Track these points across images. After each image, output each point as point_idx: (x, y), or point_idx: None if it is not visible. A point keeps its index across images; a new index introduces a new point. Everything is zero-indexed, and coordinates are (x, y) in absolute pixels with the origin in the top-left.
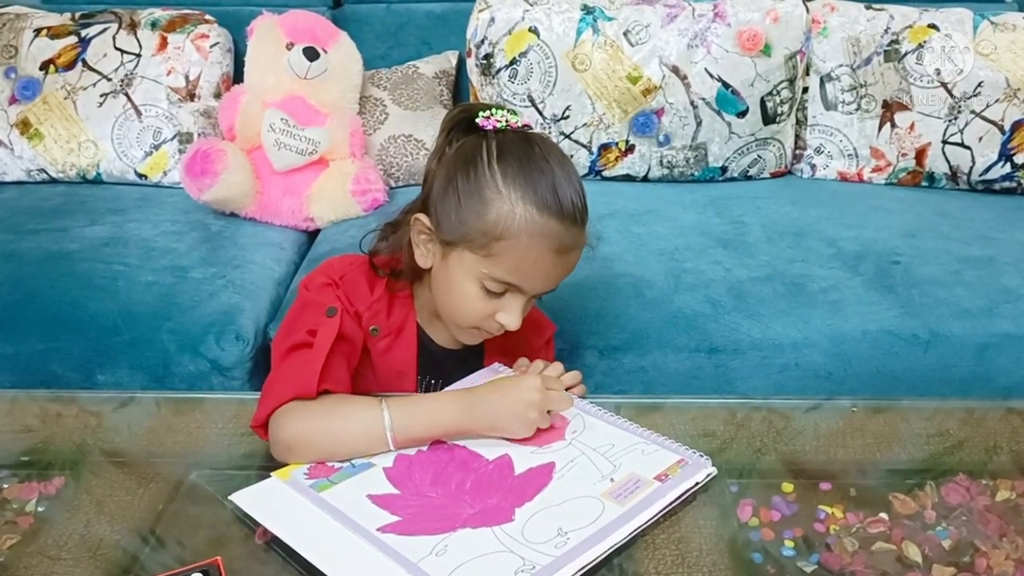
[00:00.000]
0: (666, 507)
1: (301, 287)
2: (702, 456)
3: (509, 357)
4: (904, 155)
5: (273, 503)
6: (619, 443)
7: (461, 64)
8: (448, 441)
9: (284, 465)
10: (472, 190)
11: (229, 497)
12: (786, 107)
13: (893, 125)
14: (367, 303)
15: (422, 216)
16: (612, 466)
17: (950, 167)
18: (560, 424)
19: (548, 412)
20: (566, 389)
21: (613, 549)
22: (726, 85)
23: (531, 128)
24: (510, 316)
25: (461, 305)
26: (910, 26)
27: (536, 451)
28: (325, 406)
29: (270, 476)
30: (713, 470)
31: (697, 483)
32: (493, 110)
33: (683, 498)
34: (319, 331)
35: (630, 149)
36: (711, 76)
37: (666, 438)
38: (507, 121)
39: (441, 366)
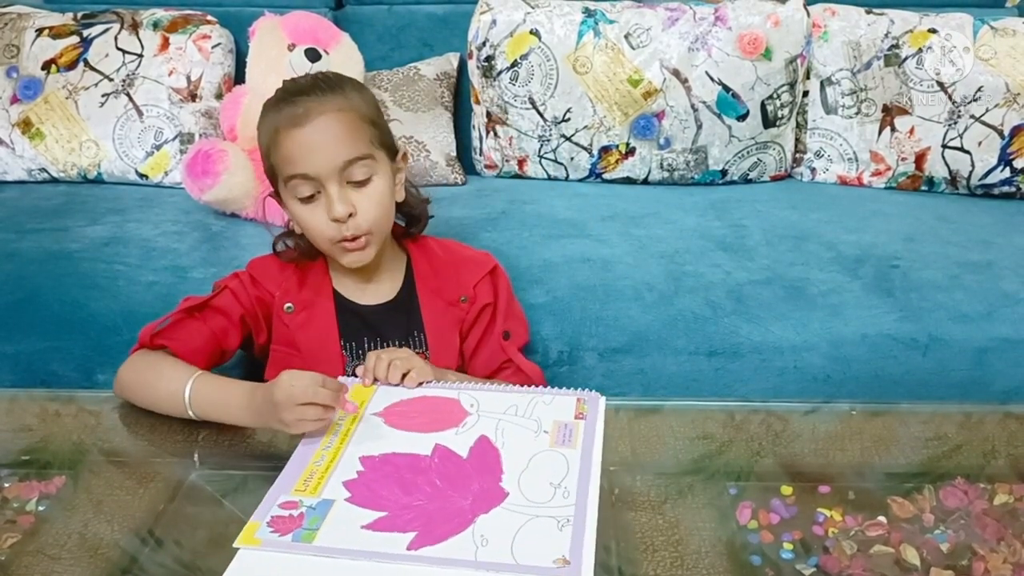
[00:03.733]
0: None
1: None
2: (589, 391)
3: (442, 296)
4: (904, 159)
5: (270, 574)
6: (519, 402)
7: (462, 66)
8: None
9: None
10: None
11: None
12: (786, 111)
13: (893, 129)
14: (277, 283)
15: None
16: (534, 422)
17: (950, 171)
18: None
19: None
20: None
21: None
22: (727, 88)
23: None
24: (332, 206)
25: (308, 229)
26: (910, 31)
27: (459, 431)
28: (153, 362)
29: (237, 550)
30: (602, 397)
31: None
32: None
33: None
34: (187, 300)
35: (630, 152)
36: (712, 79)
37: (545, 388)
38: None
39: (372, 325)
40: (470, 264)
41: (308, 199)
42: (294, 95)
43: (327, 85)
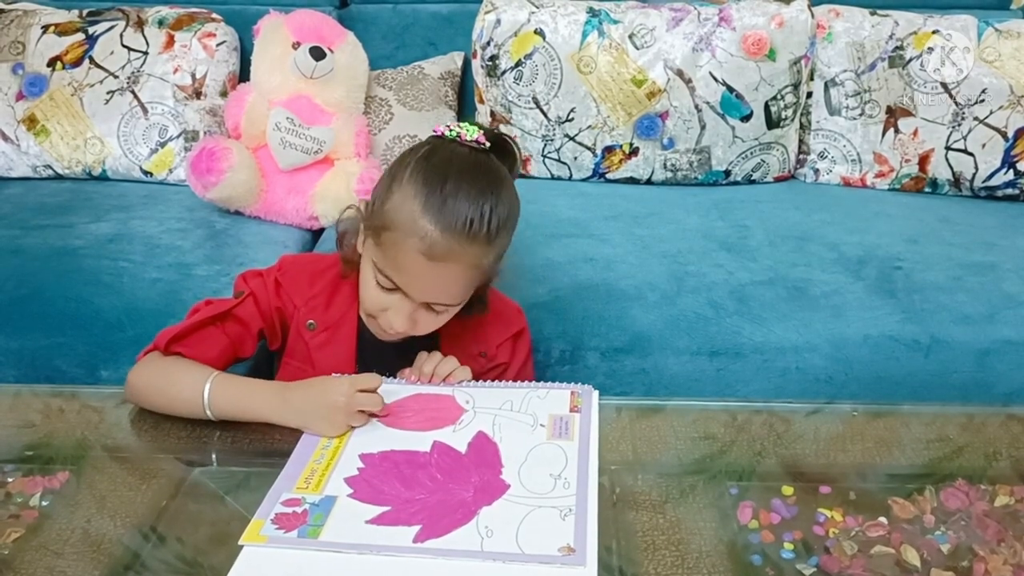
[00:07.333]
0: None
1: (238, 276)
2: (581, 384)
3: (465, 349)
4: (907, 161)
5: (277, 570)
6: (513, 397)
7: (466, 65)
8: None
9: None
10: (388, 180)
11: None
12: (790, 112)
13: (896, 131)
14: (305, 297)
15: (365, 199)
16: (530, 416)
17: (953, 173)
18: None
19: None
20: (445, 377)
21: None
22: (730, 89)
23: (482, 144)
24: (394, 316)
25: (363, 291)
26: (915, 32)
27: (456, 428)
28: (168, 365)
29: (240, 546)
30: (595, 390)
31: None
32: (461, 124)
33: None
34: (210, 306)
35: (634, 152)
36: (715, 80)
37: (538, 383)
38: (458, 133)
39: (385, 359)
40: (498, 322)
41: (382, 287)
42: (447, 225)
43: (484, 229)
